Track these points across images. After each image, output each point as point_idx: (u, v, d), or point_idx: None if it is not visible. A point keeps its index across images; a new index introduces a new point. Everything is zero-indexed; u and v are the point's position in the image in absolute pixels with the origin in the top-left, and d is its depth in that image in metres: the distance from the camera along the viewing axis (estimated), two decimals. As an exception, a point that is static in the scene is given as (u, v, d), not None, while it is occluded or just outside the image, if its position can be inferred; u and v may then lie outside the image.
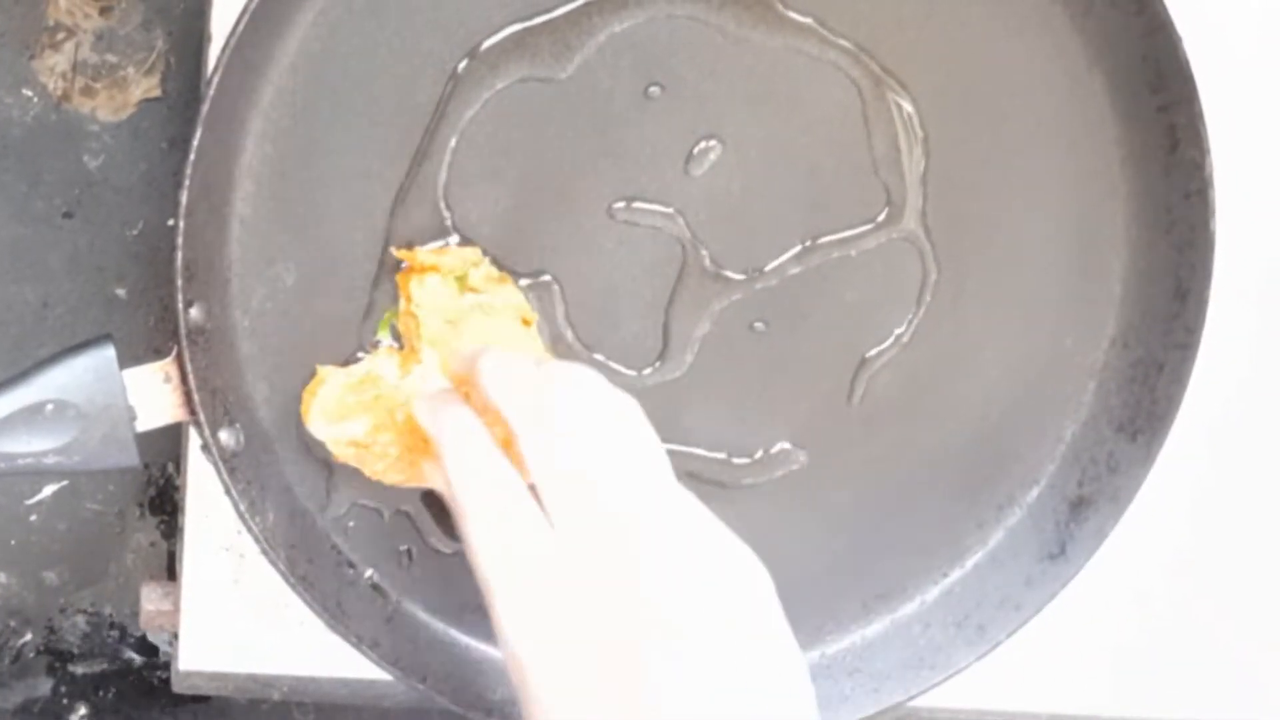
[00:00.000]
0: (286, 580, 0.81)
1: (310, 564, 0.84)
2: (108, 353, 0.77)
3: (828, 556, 0.89)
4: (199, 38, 0.90)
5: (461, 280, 0.82)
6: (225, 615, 0.91)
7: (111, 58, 1.01)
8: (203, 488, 0.90)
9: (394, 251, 0.84)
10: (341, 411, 0.82)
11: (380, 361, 0.83)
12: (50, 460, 0.77)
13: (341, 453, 0.83)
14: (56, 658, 1.03)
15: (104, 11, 1.00)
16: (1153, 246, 0.89)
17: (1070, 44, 0.88)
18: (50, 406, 0.77)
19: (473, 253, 0.83)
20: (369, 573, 0.86)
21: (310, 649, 0.91)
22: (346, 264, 0.84)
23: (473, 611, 0.87)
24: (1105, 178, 0.89)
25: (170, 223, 0.92)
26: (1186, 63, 0.85)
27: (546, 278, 0.86)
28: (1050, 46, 0.88)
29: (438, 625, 0.87)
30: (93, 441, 0.77)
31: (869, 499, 0.90)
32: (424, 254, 0.83)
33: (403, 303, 0.84)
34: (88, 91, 1.00)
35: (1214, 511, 0.97)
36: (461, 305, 0.82)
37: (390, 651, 0.84)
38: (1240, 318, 0.95)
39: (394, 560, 0.87)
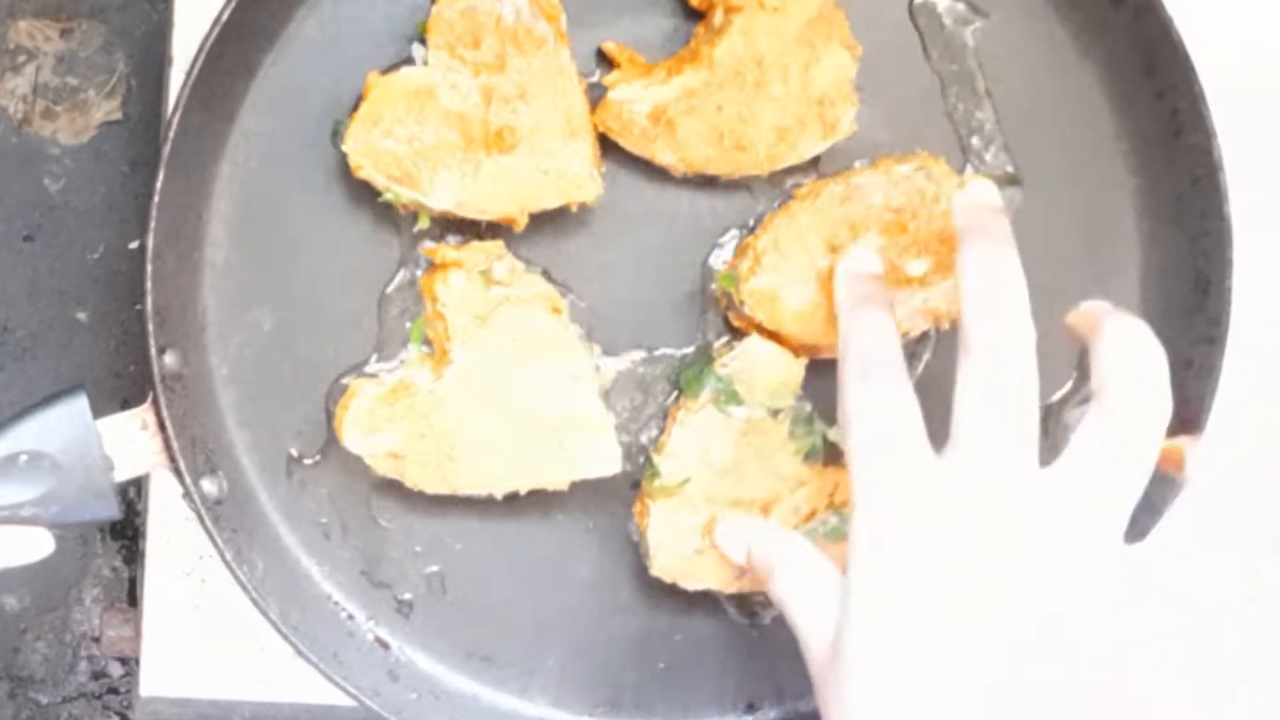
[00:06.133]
0: (279, 631, 0.80)
1: (303, 614, 0.82)
2: (80, 403, 0.77)
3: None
4: (160, 60, 0.91)
5: (486, 275, 0.81)
6: (187, 641, 0.90)
7: (72, 80, 1.02)
8: (164, 514, 0.89)
9: (420, 249, 0.83)
10: (374, 423, 0.81)
11: (412, 369, 0.82)
12: (28, 512, 0.76)
13: (380, 466, 0.82)
14: (18, 684, 1.02)
15: (65, 34, 1.01)
16: (1167, 240, 0.86)
17: (1060, 36, 0.86)
18: (24, 458, 0.76)
19: (495, 246, 0.82)
20: (369, 624, 0.84)
21: (272, 675, 0.89)
22: (326, 305, 0.83)
23: (479, 660, 0.85)
24: (1110, 173, 0.86)
25: (132, 246, 0.92)
26: (1181, 43, 0.82)
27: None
28: (1041, 42, 0.86)
29: (443, 675, 0.85)
30: (70, 492, 0.77)
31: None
32: (446, 250, 0.82)
33: (428, 306, 0.83)
34: (48, 114, 1.01)
35: (1256, 512, 0.92)
36: (489, 299, 0.81)
37: (392, 702, 0.82)
38: (1269, 304, 0.91)
39: (394, 610, 0.85)
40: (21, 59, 1.02)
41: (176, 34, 0.89)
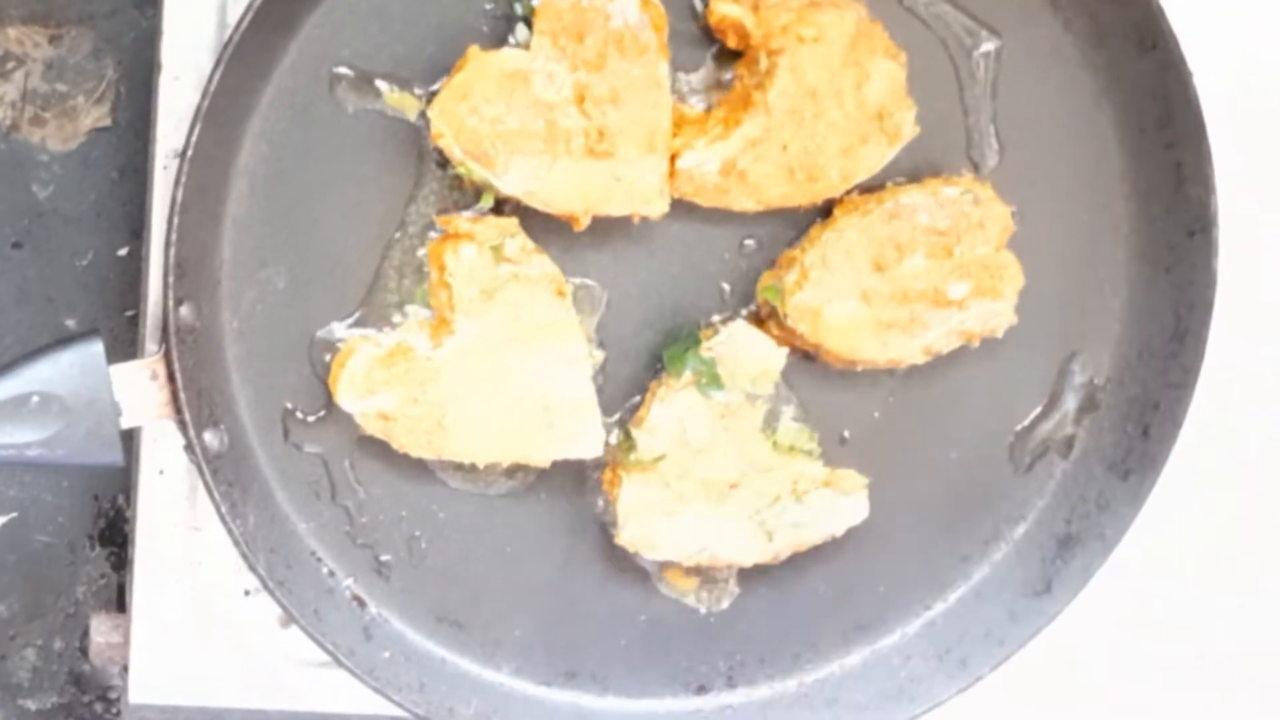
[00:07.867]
0: (265, 585, 0.81)
1: (289, 570, 0.83)
2: (95, 347, 0.77)
3: (807, 586, 0.89)
4: (149, 66, 0.90)
5: (497, 250, 0.82)
6: (176, 648, 0.90)
7: (61, 87, 1.01)
8: (153, 519, 0.89)
9: (433, 218, 0.84)
10: (371, 385, 0.82)
11: (411, 333, 0.83)
12: (34, 452, 0.77)
13: (370, 425, 0.82)
14: (6, 691, 1.02)
15: (54, 40, 1.00)
16: (1153, 284, 0.89)
17: (1080, 75, 0.88)
18: (36, 399, 0.76)
19: (509, 223, 0.83)
20: (348, 582, 0.86)
21: (262, 682, 0.90)
22: (340, 269, 0.84)
23: (450, 625, 0.87)
24: (1108, 212, 0.89)
25: (121, 252, 0.92)
26: (1196, 100, 0.84)
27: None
28: (1059, 77, 0.88)
29: (413, 637, 0.86)
30: (77, 436, 0.77)
31: (852, 530, 0.88)
32: (460, 221, 0.82)
33: (434, 274, 0.83)
34: (37, 121, 1.00)
35: (1203, 553, 0.96)
36: (497, 275, 0.82)
37: (365, 661, 0.83)
38: (1238, 359, 0.94)
39: (373, 570, 0.86)
40: (10, 65, 1.00)
41: (165, 40, 0.88)
